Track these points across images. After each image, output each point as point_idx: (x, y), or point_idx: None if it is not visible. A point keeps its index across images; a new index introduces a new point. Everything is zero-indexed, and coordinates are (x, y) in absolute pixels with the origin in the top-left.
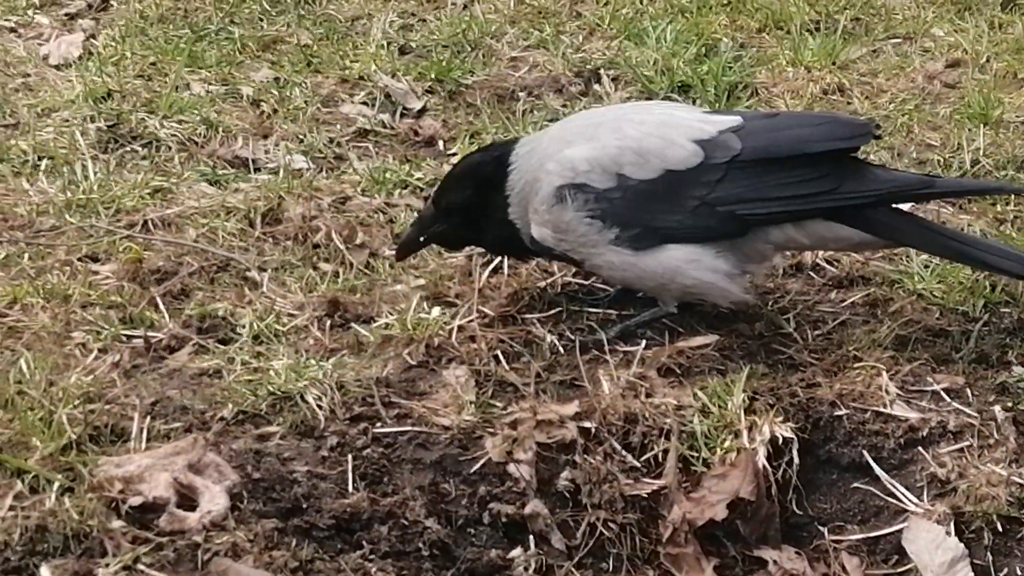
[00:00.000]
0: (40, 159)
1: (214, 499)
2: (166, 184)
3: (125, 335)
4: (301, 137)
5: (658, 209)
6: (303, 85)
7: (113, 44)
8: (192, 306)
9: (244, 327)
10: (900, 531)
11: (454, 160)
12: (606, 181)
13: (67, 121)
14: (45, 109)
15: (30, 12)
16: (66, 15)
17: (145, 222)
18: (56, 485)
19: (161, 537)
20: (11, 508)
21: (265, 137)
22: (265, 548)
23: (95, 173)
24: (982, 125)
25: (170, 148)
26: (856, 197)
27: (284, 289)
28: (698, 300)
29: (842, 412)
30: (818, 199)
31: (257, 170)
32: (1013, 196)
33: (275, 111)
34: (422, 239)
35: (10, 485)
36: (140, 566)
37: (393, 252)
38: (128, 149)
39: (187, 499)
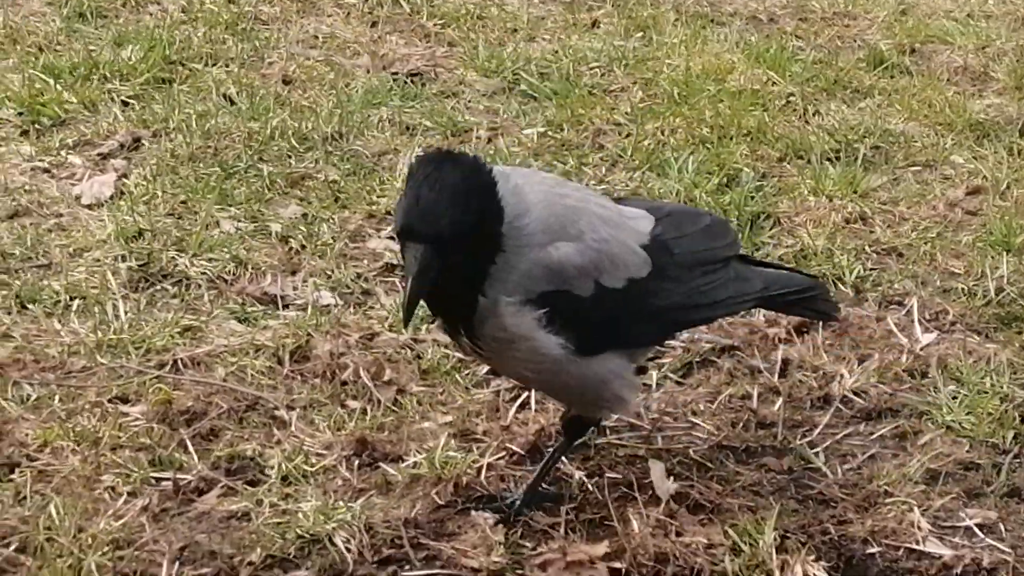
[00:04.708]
0: (72, 299)
1: None
2: (196, 322)
3: (154, 477)
4: (329, 273)
5: (616, 318)
6: (331, 221)
7: (144, 183)
8: (221, 447)
9: (272, 468)
10: None
11: None
12: (586, 289)
13: (99, 261)
14: (77, 249)
15: (63, 152)
16: (99, 155)
17: (175, 361)
18: None
19: None
20: None
21: (293, 273)
22: None
23: (126, 313)
24: (1005, 252)
25: (200, 286)
26: (743, 302)
27: (312, 428)
28: (597, 410)
29: (875, 549)
30: (722, 306)
31: (286, 306)
32: None
33: (303, 247)
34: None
35: None
36: None
37: (400, 321)
38: (159, 288)
39: None
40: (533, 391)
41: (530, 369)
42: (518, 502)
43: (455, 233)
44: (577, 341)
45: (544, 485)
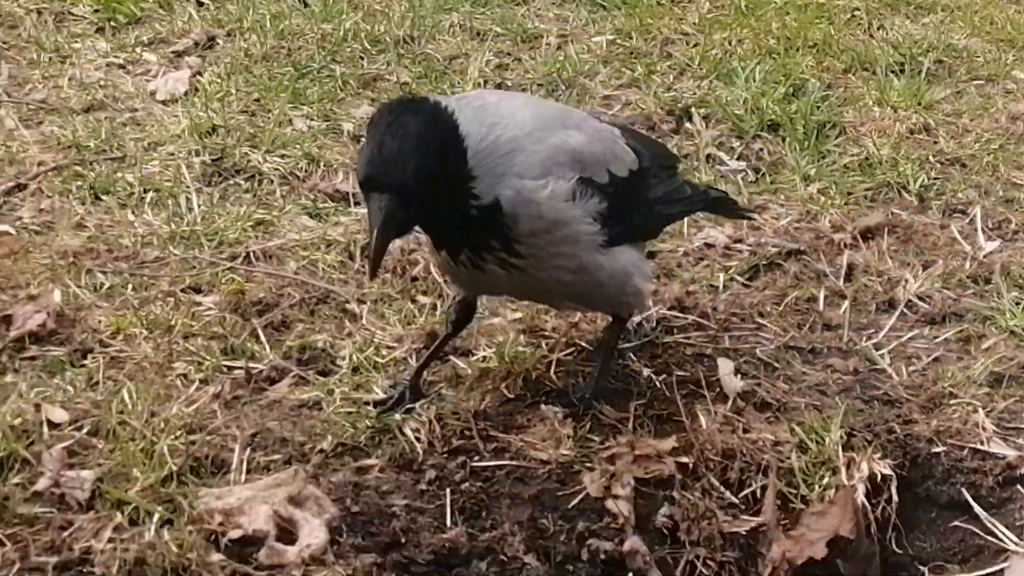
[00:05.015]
0: (146, 192)
1: (314, 533)
2: (268, 217)
3: (226, 366)
4: None
5: (627, 208)
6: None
7: (218, 81)
8: (292, 337)
9: (343, 359)
10: (1001, 571)
11: None
12: (603, 176)
13: (172, 155)
14: (151, 143)
15: (139, 50)
16: (173, 52)
17: (247, 254)
18: (156, 517)
19: (260, 572)
20: (110, 540)
21: None
22: None
23: (199, 206)
24: None
25: (272, 182)
26: (695, 204)
27: (383, 321)
28: (620, 307)
29: (940, 449)
30: (685, 203)
31: (356, 204)
32: None
33: None
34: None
35: (110, 517)
36: None
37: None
38: (232, 182)
39: (287, 532)
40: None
41: (568, 268)
42: (587, 396)
43: (419, 181)
44: (603, 231)
45: (611, 380)
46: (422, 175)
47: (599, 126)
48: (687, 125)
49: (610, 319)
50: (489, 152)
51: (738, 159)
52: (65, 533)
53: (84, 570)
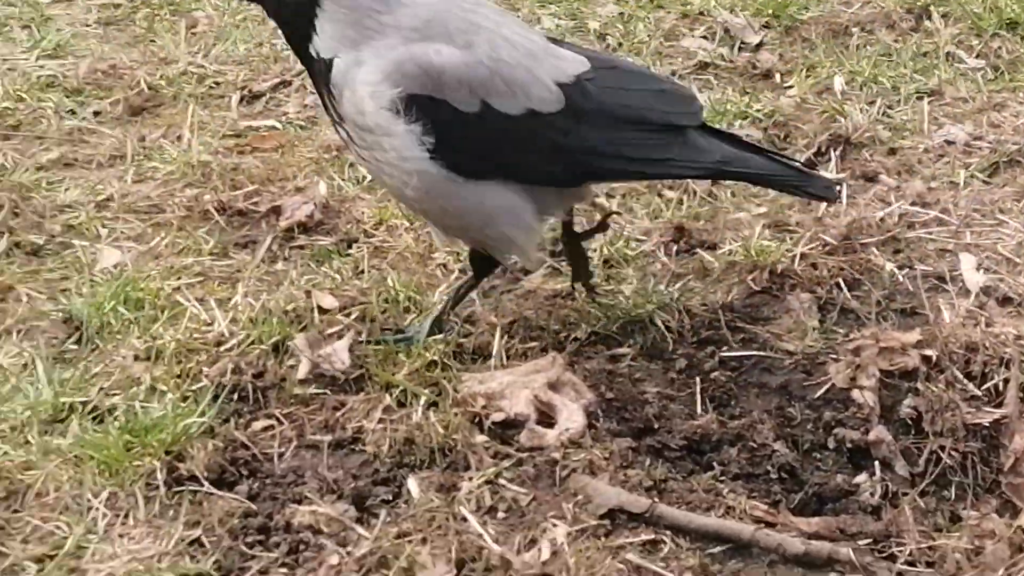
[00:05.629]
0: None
1: (572, 417)
2: None
3: None
4: None
5: (507, 145)
6: (646, 20)
7: None
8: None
9: (595, 251)
10: None
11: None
12: (470, 105)
13: None
14: None
15: None
16: None
17: None
18: (423, 400)
19: (521, 453)
20: (380, 421)
21: None
22: (620, 467)
23: None
24: None
25: None
26: (688, 168)
27: (631, 215)
28: (490, 249)
29: None
30: (658, 165)
31: None
32: None
33: (619, 44)
34: None
35: (380, 399)
36: (501, 480)
37: None
38: None
39: (545, 416)
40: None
41: (405, 184)
42: (417, 333)
43: None
44: (455, 159)
45: (450, 316)
46: None
47: (509, 54)
48: (926, 23)
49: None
50: (355, 16)
51: (977, 57)
52: (338, 413)
53: (356, 448)
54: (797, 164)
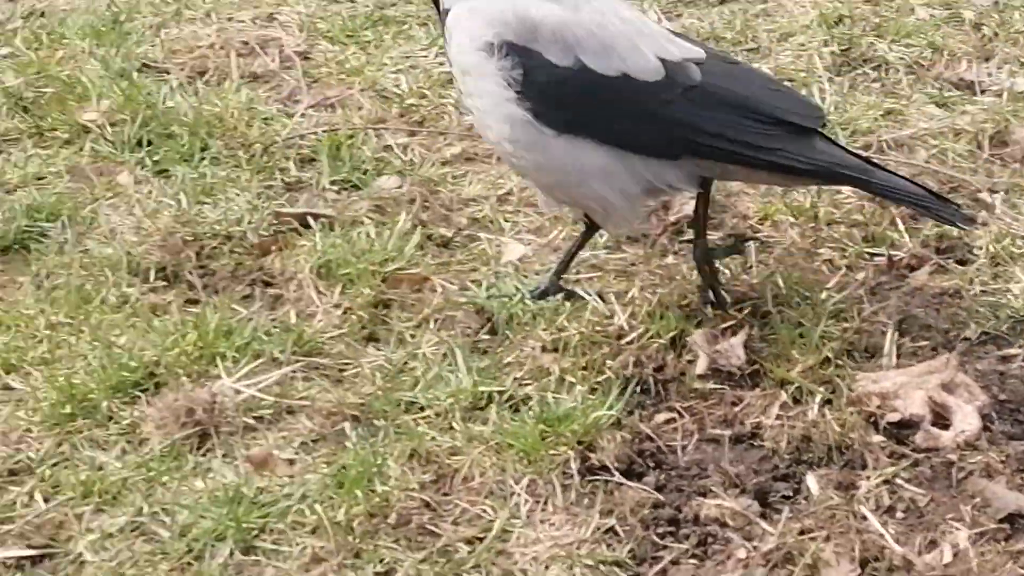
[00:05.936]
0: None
1: (967, 419)
2: (896, 106)
3: (868, 252)
4: (1022, 60)
5: (598, 105)
6: (1022, 9)
7: None
8: (930, 226)
9: (980, 249)
10: None
11: None
12: (564, 59)
13: (803, 45)
14: (783, 34)
15: None
16: None
17: (879, 143)
18: (818, 397)
19: (917, 454)
20: (777, 417)
21: (987, 60)
22: (1017, 470)
23: (831, 95)
24: None
25: (898, 71)
26: (797, 161)
27: (1015, 212)
28: (589, 210)
29: None
30: (762, 152)
31: (982, 92)
32: None
33: (996, 34)
34: None
35: (775, 395)
36: (899, 480)
37: None
38: (859, 72)
39: (939, 417)
40: None
41: (502, 136)
42: (539, 289)
43: None
44: (544, 109)
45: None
46: None
47: (614, 23)
48: None
49: None
50: None
51: None
52: (736, 408)
53: (755, 443)
54: (930, 188)
